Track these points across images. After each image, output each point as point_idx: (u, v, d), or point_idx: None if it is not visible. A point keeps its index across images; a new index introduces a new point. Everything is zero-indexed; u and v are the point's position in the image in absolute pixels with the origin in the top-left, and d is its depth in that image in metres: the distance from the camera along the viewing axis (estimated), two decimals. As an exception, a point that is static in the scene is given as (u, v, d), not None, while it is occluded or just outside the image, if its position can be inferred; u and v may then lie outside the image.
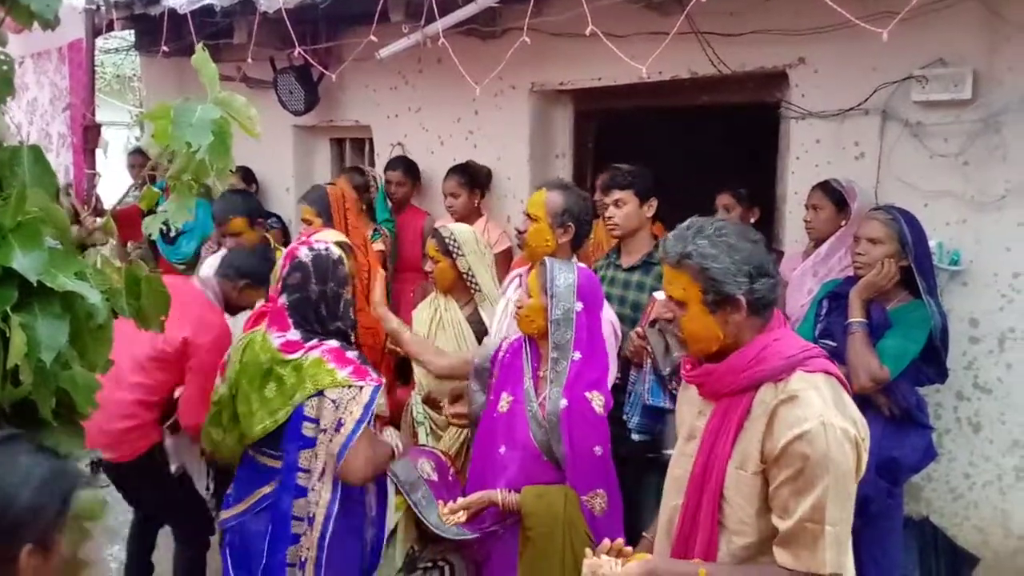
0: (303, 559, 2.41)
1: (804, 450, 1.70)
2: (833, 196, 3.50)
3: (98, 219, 1.64)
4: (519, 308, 2.65)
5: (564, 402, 2.48)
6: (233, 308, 3.43)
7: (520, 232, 3.03)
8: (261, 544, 2.46)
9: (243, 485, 2.60)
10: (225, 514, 2.62)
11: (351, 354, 2.47)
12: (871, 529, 2.95)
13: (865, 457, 1.77)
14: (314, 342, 2.45)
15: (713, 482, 1.85)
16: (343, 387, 2.38)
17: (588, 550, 1.91)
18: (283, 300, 2.51)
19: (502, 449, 2.61)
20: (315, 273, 2.50)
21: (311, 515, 2.41)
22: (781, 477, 1.74)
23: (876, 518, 2.90)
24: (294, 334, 2.47)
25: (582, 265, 2.77)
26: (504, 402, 2.66)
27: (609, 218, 3.33)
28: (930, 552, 3.40)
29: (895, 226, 2.95)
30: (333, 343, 2.47)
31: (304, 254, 2.53)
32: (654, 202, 3.30)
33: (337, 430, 2.38)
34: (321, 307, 2.50)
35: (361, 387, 2.40)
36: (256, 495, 2.54)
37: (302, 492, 2.42)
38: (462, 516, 2.49)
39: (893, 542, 3.06)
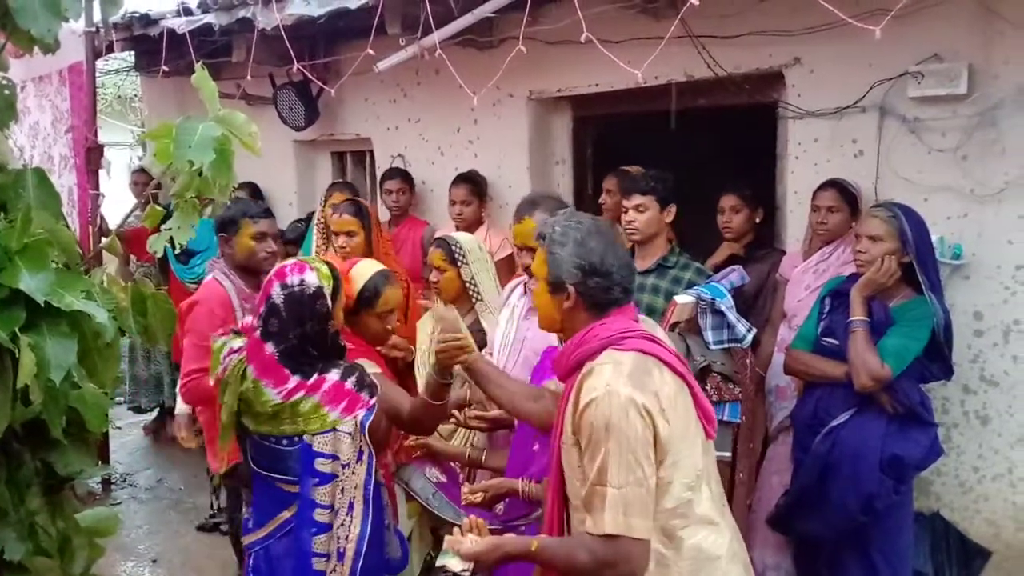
0: None
1: (591, 418, 1.84)
2: (848, 197, 3.52)
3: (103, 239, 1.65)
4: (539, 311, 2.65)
5: None
6: (246, 265, 3.42)
7: (528, 266, 2.98)
8: (287, 569, 2.44)
9: (262, 510, 2.55)
10: (248, 538, 2.56)
11: (349, 383, 2.39)
12: (879, 525, 2.95)
13: (664, 428, 1.83)
14: (315, 379, 2.37)
15: (555, 459, 2.01)
16: (346, 423, 2.35)
17: (456, 529, 2.02)
18: (271, 349, 2.38)
19: (536, 446, 2.63)
20: (291, 317, 2.38)
21: (341, 550, 2.35)
22: (582, 445, 1.88)
23: (884, 515, 2.91)
24: (293, 380, 2.37)
25: None
26: None
27: (630, 222, 3.32)
28: (941, 547, 3.39)
29: (895, 223, 2.95)
30: (333, 377, 2.38)
31: (276, 293, 2.40)
32: (673, 208, 3.30)
33: (359, 461, 2.36)
34: (310, 348, 2.40)
35: (356, 417, 2.36)
36: (277, 520, 2.49)
37: (323, 528, 2.37)
38: (479, 497, 2.51)
39: (903, 538, 3.06)
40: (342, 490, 2.35)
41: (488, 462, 2.86)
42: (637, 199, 3.30)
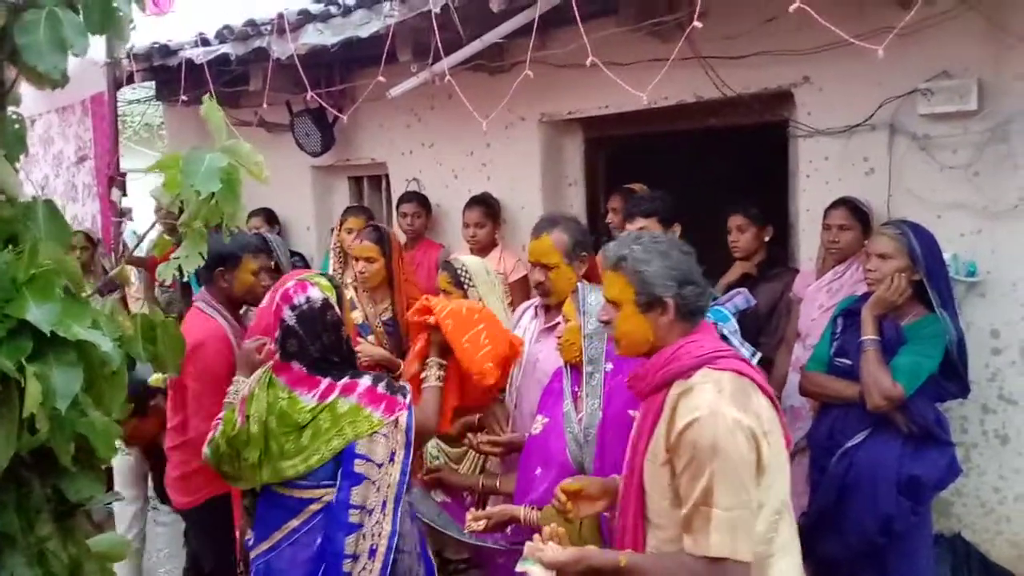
0: None
1: (694, 437, 1.81)
2: (859, 215, 3.51)
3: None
4: (559, 338, 2.67)
5: (601, 415, 2.49)
6: (242, 299, 3.41)
7: (540, 283, 2.99)
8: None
9: (266, 523, 2.57)
10: (250, 555, 2.60)
11: (381, 387, 2.51)
12: (898, 548, 2.91)
13: (767, 451, 1.83)
14: (345, 381, 2.49)
15: (636, 477, 1.98)
16: (386, 424, 2.46)
17: (536, 535, 2.00)
18: (296, 367, 2.52)
19: (538, 471, 2.63)
20: (308, 333, 2.50)
21: (373, 547, 2.42)
22: (679, 466, 1.85)
23: (902, 537, 2.86)
24: (325, 382, 2.50)
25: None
26: (538, 424, 2.68)
27: None
28: (963, 569, 3.34)
29: (903, 240, 2.93)
30: (365, 381, 2.50)
31: (288, 316, 2.51)
32: (677, 227, 3.32)
33: (391, 461, 2.45)
34: (332, 356, 2.54)
35: (397, 419, 2.47)
36: (284, 529, 2.52)
37: (354, 528, 2.43)
38: (481, 525, 2.50)
39: (923, 560, 3.01)
40: (377, 489, 2.44)
41: (503, 487, 2.86)
42: (640, 222, 3.31)
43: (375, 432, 2.44)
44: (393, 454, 2.45)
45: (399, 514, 2.45)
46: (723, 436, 1.78)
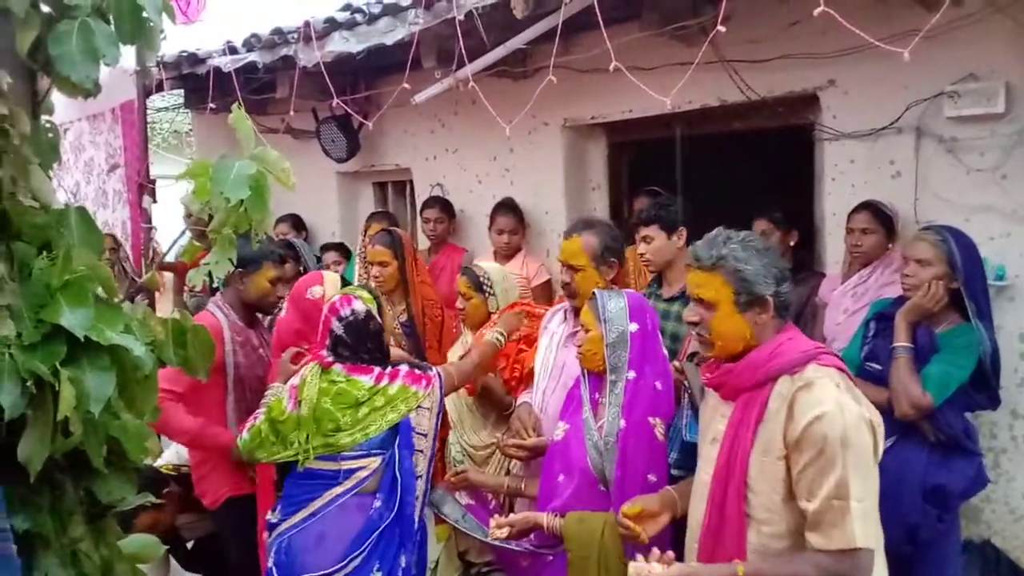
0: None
1: (824, 431, 1.82)
2: (882, 219, 3.48)
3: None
4: (579, 347, 2.67)
5: (622, 423, 2.49)
6: (255, 305, 3.50)
7: (567, 284, 3.01)
8: (313, 556, 2.66)
9: (291, 501, 2.77)
10: (273, 533, 2.75)
11: (417, 369, 2.87)
12: (925, 556, 2.87)
13: (881, 444, 1.89)
14: (390, 369, 2.82)
15: (737, 473, 1.96)
16: (428, 396, 2.82)
17: (640, 556, 1.97)
18: (349, 364, 2.82)
19: (560, 477, 2.64)
20: (355, 341, 2.82)
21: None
22: (804, 460, 1.85)
23: (929, 545, 2.83)
24: (377, 370, 2.81)
25: (630, 291, 2.79)
26: (560, 430, 2.68)
27: (642, 255, 3.36)
28: (993, 575, 3.29)
29: (944, 247, 2.86)
30: (404, 367, 2.85)
31: (336, 326, 2.82)
32: (683, 231, 3.28)
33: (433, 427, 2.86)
34: (377, 354, 2.86)
35: (432, 387, 2.84)
36: (309, 508, 2.72)
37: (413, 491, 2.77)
38: (505, 532, 2.53)
39: (951, 568, 2.97)
40: (426, 457, 2.81)
41: (528, 490, 2.87)
42: (643, 231, 3.32)
43: (420, 406, 2.78)
44: (433, 424, 2.82)
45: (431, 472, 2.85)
46: (852, 429, 1.82)
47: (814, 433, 1.83)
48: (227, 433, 3.27)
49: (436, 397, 2.85)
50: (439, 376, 2.87)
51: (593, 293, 2.69)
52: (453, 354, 3.35)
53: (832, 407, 1.83)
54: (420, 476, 2.80)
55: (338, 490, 2.72)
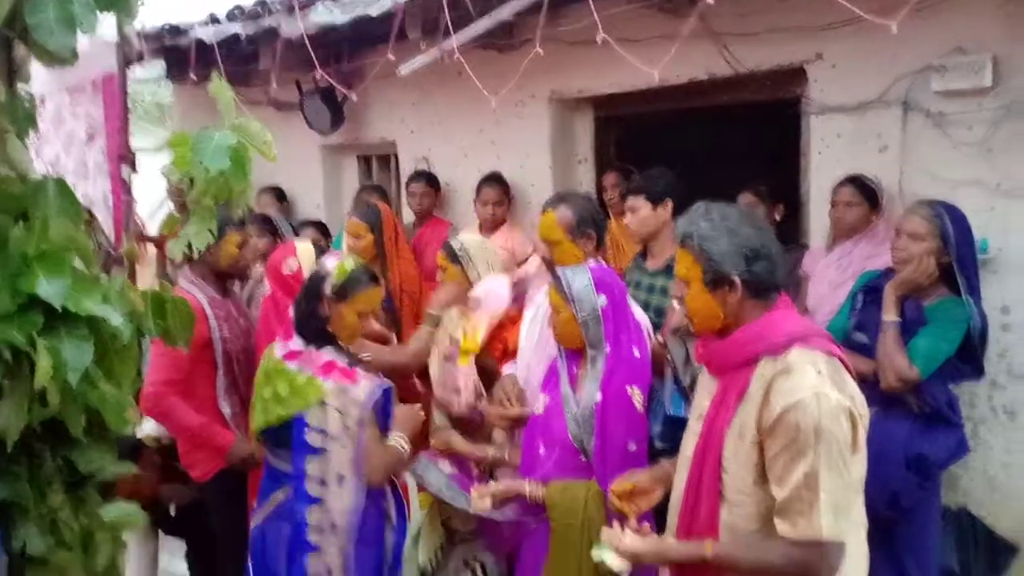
0: (329, 567, 2.46)
1: (796, 419, 1.77)
2: (866, 192, 3.48)
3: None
4: (553, 328, 2.66)
5: (599, 395, 2.50)
6: (228, 272, 3.45)
7: (546, 259, 3.00)
8: (277, 551, 2.53)
9: (263, 492, 2.68)
10: (253, 522, 2.70)
11: (341, 363, 2.57)
12: (906, 522, 2.91)
13: (863, 433, 1.84)
14: (312, 350, 2.57)
15: (714, 451, 1.93)
16: (334, 394, 2.48)
17: (616, 523, 1.98)
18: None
19: (542, 449, 2.65)
20: (302, 293, 2.66)
21: (333, 523, 2.47)
22: (776, 447, 1.81)
23: (910, 511, 2.87)
24: (296, 343, 2.60)
25: (592, 262, 2.75)
26: (540, 403, 2.69)
27: (628, 225, 3.35)
28: (968, 542, 3.34)
29: (937, 222, 2.86)
30: (326, 355, 2.56)
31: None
32: (669, 202, 3.25)
33: (346, 434, 2.49)
34: (307, 322, 2.62)
35: (346, 388, 2.50)
36: (272, 502, 2.62)
37: (315, 500, 2.48)
38: (487, 501, 2.53)
39: (930, 534, 3.01)
40: (330, 462, 2.47)
41: (512, 459, 2.88)
42: (629, 201, 3.31)
43: (324, 403, 2.47)
44: (346, 427, 2.47)
45: (361, 489, 2.49)
46: (827, 418, 1.76)
47: (787, 421, 1.78)
48: (228, 434, 3.26)
49: (356, 405, 2.49)
50: (373, 385, 2.54)
51: (554, 272, 2.67)
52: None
53: (807, 395, 1.77)
54: (328, 481, 2.47)
55: (280, 496, 2.60)
